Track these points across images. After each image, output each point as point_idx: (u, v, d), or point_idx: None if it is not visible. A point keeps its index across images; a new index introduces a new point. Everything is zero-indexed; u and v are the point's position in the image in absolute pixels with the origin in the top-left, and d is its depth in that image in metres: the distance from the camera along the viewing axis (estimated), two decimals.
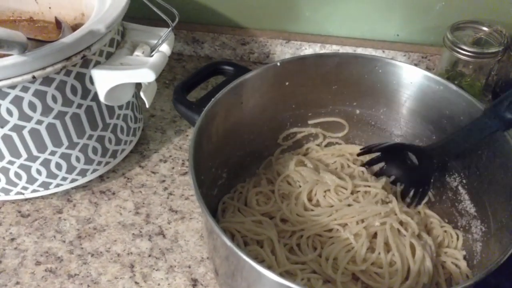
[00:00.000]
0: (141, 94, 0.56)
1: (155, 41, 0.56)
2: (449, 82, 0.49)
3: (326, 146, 0.61)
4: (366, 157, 0.58)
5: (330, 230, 0.51)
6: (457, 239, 0.51)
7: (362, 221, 0.50)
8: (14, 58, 0.45)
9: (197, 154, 0.43)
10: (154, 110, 0.73)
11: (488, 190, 0.46)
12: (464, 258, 0.49)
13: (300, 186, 0.55)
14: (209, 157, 0.50)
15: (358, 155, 0.58)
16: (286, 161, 0.58)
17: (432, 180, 0.53)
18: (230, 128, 0.52)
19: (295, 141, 0.61)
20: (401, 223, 0.51)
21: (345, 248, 0.49)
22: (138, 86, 0.58)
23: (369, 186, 0.54)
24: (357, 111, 0.58)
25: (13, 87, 0.47)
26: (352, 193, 0.53)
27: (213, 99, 0.48)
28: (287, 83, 0.54)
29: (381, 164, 0.57)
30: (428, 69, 0.77)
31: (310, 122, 0.60)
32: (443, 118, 0.51)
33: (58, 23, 0.62)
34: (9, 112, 0.49)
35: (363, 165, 0.58)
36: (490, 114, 0.46)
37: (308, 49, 0.80)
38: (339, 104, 0.58)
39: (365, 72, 0.53)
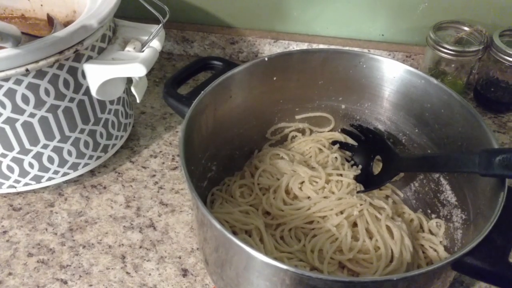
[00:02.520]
0: (132, 89, 0.58)
1: (146, 37, 0.57)
2: (430, 77, 0.51)
3: None
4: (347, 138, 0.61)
5: (311, 222, 0.52)
6: (438, 226, 0.53)
7: (341, 212, 0.52)
8: (8, 51, 0.46)
9: (188, 146, 0.45)
10: (144, 107, 0.74)
11: (468, 179, 0.48)
12: (446, 246, 0.51)
13: (278, 179, 0.56)
14: (199, 149, 0.51)
15: (342, 130, 0.61)
16: (264, 155, 0.60)
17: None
18: (220, 122, 0.54)
19: (283, 136, 0.62)
20: (375, 208, 0.53)
21: (329, 240, 0.50)
22: (129, 82, 0.60)
23: (341, 175, 0.56)
24: (343, 106, 0.59)
25: (6, 79, 0.48)
26: (326, 182, 0.55)
27: (202, 92, 0.49)
28: (274, 78, 0.56)
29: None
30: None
31: (297, 117, 0.61)
32: (425, 111, 0.53)
33: (50, 20, 0.63)
34: (2, 105, 0.49)
35: (334, 143, 0.60)
36: (482, 158, 0.42)
37: (296, 48, 0.82)
38: (325, 99, 0.59)
39: (350, 67, 0.55)
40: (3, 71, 0.47)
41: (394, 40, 0.80)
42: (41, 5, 0.65)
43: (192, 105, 0.47)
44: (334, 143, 0.61)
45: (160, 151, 0.68)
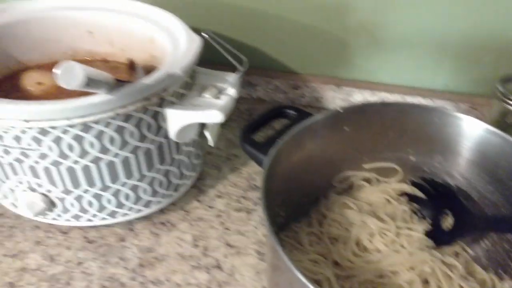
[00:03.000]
0: (206, 133, 0.60)
1: (222, 84, 0.60)
2: (509, 136, 0.50)
3: None
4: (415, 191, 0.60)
5: (381, 276, 0.52)
6: None
7: (412, 268, 0.52)
8: (102, 97, 0.50)
9: (267, 193, 0.46)
10: (210, 148, 0.77)
11: None
12: None
13: (346, 229, 0.57)
14: (272, 196, 0.53)
15: (412, 183, 0.60)
16: (331, 203, 0.61)
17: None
18: (291, 169, 0.55)
19: (349, 184, 0.63)
20: (447, 265, 0.52)
21: None
22: (202, 125, 0.62)
23: (411, 229, 0.55)
24: (412, 158, 0.60)
25: (97, 122, 0.51)
26: (396, 235, 0.55)
27: (279, 141, 0.51)
28: (346, 128, 0.57)
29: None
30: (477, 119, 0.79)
31: (365, 166, 0.62)
32: (499, 168, 0.53)
33: (131, 65, 0.67)
34: (91, 145, 0.53)
35: (402, 194, 0.60)
36: None
37: (358, 95, 0.83)
38: (395, 150, 0.60)
39: (424, 121, 0.56)
40: (95, 114, 0.50)
41: (459, 90, 0.80)
42: (122, 49, 0.70)
43: (270, 154, 0.49)
44: (401, 194, 0.61)
45: (226, 192, 0.70)
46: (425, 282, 0.51)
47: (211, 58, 0.62)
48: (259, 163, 0.52)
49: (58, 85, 0.42)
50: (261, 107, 0.87)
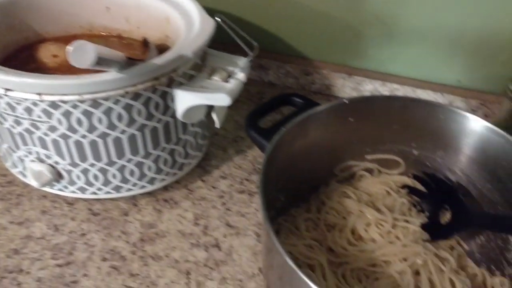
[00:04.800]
0: (213, 115, 0.61)
1: (232, 68, 0.60)
2: (510, 136, 0.51)
3: None
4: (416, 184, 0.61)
5: (374, 265, 0.53)
6: (502, 285, 0.52)
7: (405, 259, 0.53)
8: (112, 75, 0.51)
9: (266, 179, 0.47)
10: (217, 129, 0.78)
11: None
12: None
13: (344, 218, 0.58)
14: (272, 181, 0.54)
15: (414, 176, 0.61)
16: (331, 191, 0.61)
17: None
18: (294, 156, 0.56)
19: (351, 173, 0.64)
20: (439, 258, 0.53)
21: (391, 285, 0.51)
22: (210, 106, 0.63)
23: (408, 222, 0.56)
24: (415, 152, 0.60)
25: (107, 99, 0.53)
26: (392, 227, 0.56)
27: (283, 128, 0.51)
28: (351, 119, 0.58)
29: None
30: (485, 116, 0.79)
31: (367, 157, 0.62)
32: (499, 168, 0.53)
33: (144, 43, 0.68)
34: (100, 121, 0.54)
35: (403, 187, 0.61)
36: None
37: (369, 85, 0.83)
38: (398, 143, 0.60)
39: (428, 117, 0.56)
40: (105, 91, 0.51)
41: (470, 86, 0.79)
42: (138, 27, 0.71)
43: (274, 141, 0.50)
44: (402, 187, 0.61)
45: (230, 173, 0.71)
46: (417, 273, 0.52)
47: (223, 39, 0.63)
48: (262, 149, 0.52)
49: None
50: (272, 91, 0.87)
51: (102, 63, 0.44)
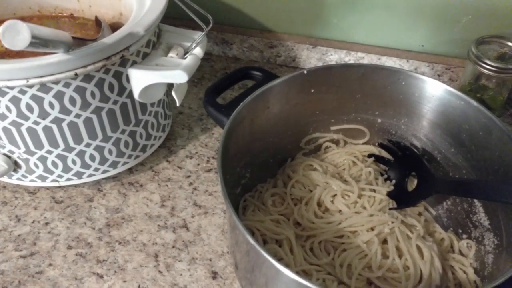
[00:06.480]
0: (173, 93, 0.59)
1: (189, 44, 0.58)
2: (470, 98, 0.50)
3: None
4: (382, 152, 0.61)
5: (341, 237, 0.53)
6: (468, 247, 0.53)
7: (372, 229, 0.52)
8: (59, 56, 0.48)
9: (225, 156, 0.46)
10: (182, 108, 0.76)
11: (502, 205, 0.48)
12: (475, 269, 0.51)
13: (310, 191, 0.57)
14: (235, 158, 0.53)
15: (379, 145, 0.61)
16: (297, 165, 0.61)
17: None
18: (256, 131, 0.55)
19: (317, 146, 0.63)
20: (407, 226, 0.53)
21: (359, 255, 0.51)
22: (170, 85, 0.61)
23: (374, 191, 0.56)
24: (379, 120, 0.60)
25: (56, 82, 0.50)
26: (358, 197, 0.55)
27: (241, 103, 0.50)
28: (312, 90, 0.57)
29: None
30: (451, 80, 0.79)
31: (332, 128, 0.62)
32: (462, 132, 0.53)
33: (97, 22, 0.65)
34: (51, 106, 0.52)
35: (370, 156, 0.61)
36: None
37: (334, 55, 0.82)
38: (362, 112, 0.60)
39: (389, 83, 0.55)
40: (54, 74, 0.49)
41: (434, 51, 0.79)
42: (90, 6, 0.68)
43: (231, 117, 0.48)
44: (369, 156, 0.61)
45: (196, 152, 0.70)
46: (384, 242, 0.52)
47: (181, 15, 0.60)
48: (222, 125, 0.51)
49: None
50: (236, 66, 0.85)
51: (42, 43, 0.42)
